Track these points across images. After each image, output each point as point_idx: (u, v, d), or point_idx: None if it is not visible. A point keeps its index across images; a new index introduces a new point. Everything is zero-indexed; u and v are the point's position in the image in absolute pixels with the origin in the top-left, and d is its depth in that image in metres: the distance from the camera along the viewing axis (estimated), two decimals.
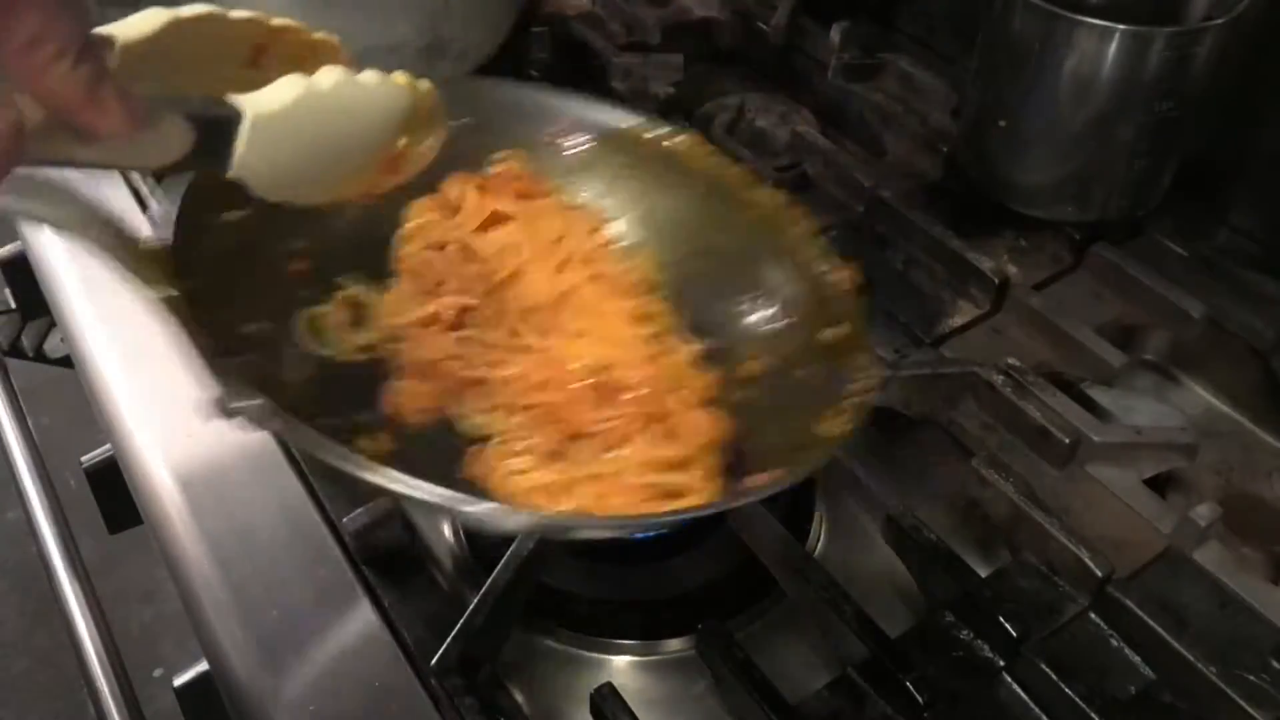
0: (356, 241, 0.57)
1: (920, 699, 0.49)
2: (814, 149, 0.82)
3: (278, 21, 0.43)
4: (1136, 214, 0.75)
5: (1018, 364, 0.63)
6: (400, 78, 0.41)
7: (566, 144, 0.64)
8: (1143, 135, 0.69)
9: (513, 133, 0.63)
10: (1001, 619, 0.51)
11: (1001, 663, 0.52)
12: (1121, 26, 0.65)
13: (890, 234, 0.76)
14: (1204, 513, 0.54)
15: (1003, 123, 0.73)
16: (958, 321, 0.70)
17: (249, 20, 0.41)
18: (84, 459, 0.85)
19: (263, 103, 0.35)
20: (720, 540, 0.59)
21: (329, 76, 0.37)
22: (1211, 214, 0.77)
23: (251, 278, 0.52)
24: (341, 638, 0.53)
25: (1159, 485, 0.61)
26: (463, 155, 0.59)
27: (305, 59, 0.43)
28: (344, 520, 0.57)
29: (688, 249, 0.63)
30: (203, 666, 0.62)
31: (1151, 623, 0.51)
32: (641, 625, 0.56)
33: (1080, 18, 0.66)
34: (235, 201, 0.46)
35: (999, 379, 0.62)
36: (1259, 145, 0.75)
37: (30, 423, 0.80)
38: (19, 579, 1.65)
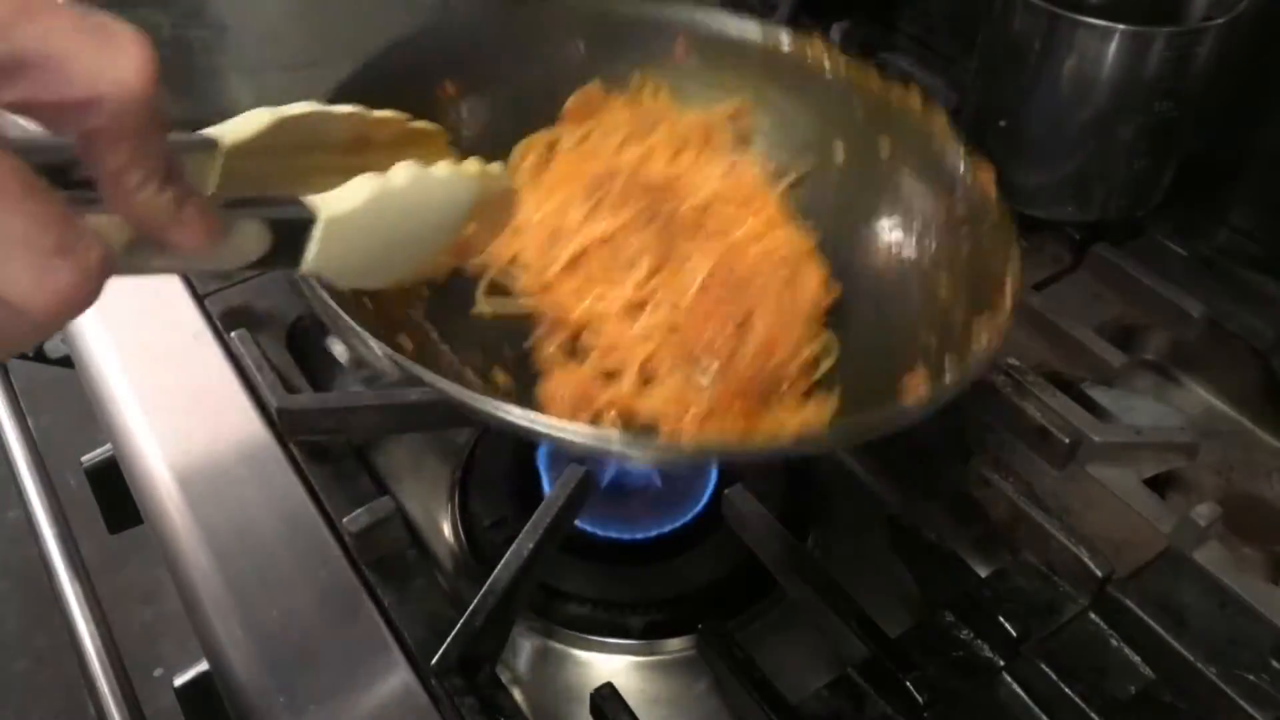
0: None
1: (920, 699, 0.49)
2: None
3: (378, 114, 0.43)
4: (1136, 214, 0.75)
5: (1018, 364, 0.63)
6: (472, 166, 0.41)
7: (693, 59, 0.63)
8: (1143, 135, 0.69)
9: (642, 49, 0.62)
10: (1001, 619, 0.51)
11: (1001, 663, 0.52)
12: (1121, 26, 0.65)
13: None
14: (1204, 512, 0.54)
15: (1003, 122, 0.73)
16: None
17: (350, 114, 0.42)
18: (84, 459, 0.85)
19: (336, 204, 0.35)
20: (720, 540, 0.60)
21: (402, 174, 0.37)
22: (1212, 214, 0.77)
23: None
24: (341, 638, 0.53)
25: (1159, 485, 0.61)
26: (586, 79, 0.60)
27: (406, 146, 0.45)
28: (344, 520, 0.57)
29: (826, 162, 0.61)
30: (203, 666, 0.62)
31: (1151, 622, 0.52)
32: (641, 625, 0.57)
33: (1080, 18, 0.66)
34: None
35: (999, 379, 0.62)
36: (1259, 145, 0.75)
37: (30, 423, 0.80)
38: (19, 579, 1.65)
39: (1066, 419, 0.60)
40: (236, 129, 0.37)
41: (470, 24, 0.61)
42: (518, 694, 0.53)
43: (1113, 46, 0.65)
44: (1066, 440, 0.59)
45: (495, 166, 0.43)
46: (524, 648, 0.56)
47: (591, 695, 0.50)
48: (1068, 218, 0.74)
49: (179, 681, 0.64)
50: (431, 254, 0.42)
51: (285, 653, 0.52)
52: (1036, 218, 0.75)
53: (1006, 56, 0.72)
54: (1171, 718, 0.51)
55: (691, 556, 0.60)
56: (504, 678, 0.52)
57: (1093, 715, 0.49)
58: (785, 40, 0.62)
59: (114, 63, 0.27)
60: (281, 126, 0.39)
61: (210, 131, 0.36)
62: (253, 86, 0.76)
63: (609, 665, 0.55)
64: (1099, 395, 0.64)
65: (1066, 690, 0.50)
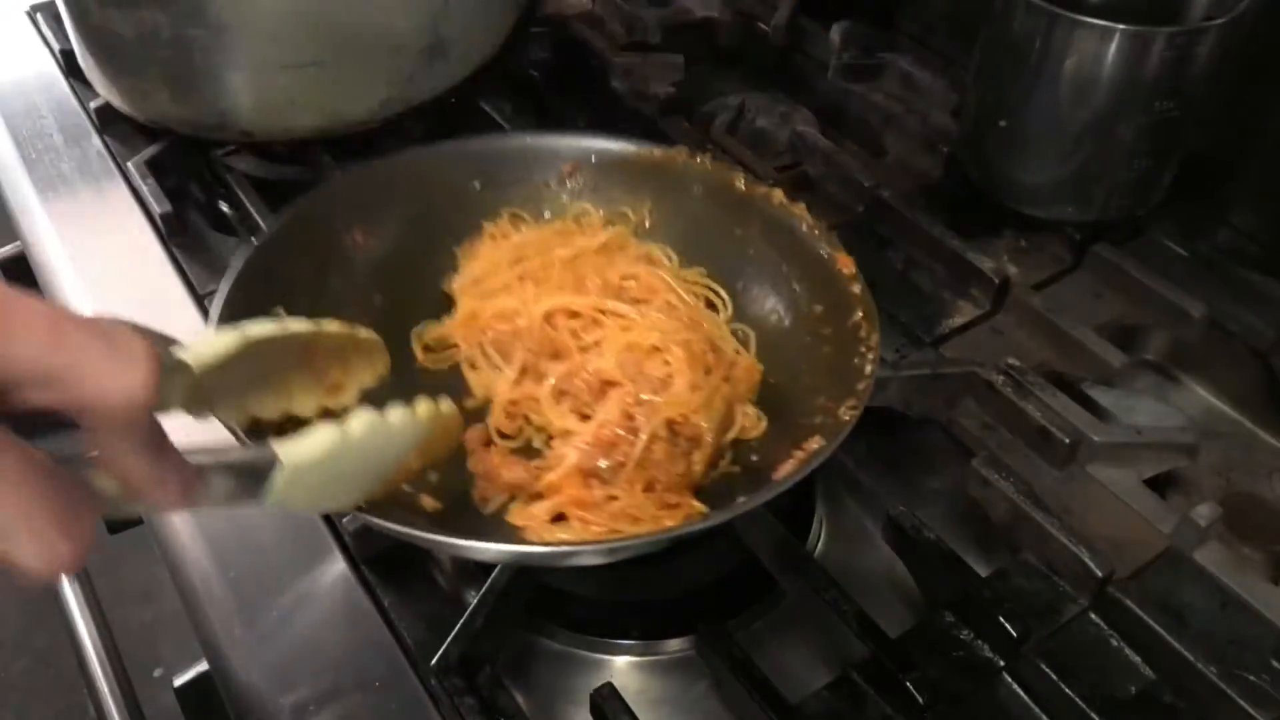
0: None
1: (920, 699, 0.49)
2: (814, 149, 0.82)
3: (328, 327, 0.49)
4: (1137, 214, 0.75)
5: (1018, 364, 0.63)
6: (423, 409, 0.46)
7: (569, 183, 0.69)
8: (1143, 135, 0.69)
9: (519, 184, 0.68)
10: (1001, 619, 0.51)
11: (1001, 663, 0.52)
12: (1122, 26, 0.65)
13: (890, 234, 0.76)
14: (1204, 513, 0.54)
15: (1003, 123, 0.73)
16: (958, 321, 0.70)
17: (305, 330, 0.48)
18: None
19: (298, 454, 0.39)
20: (720, 540, 0.59)
21: (360, 424, 0.41)
22: (1212, 214, 0.77)
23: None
24: (341, 638, 0.53)
25: (1159, 485, 0.61)
26: (476, 215, 0.67)
27: (348, 351, 0.51)
28: (344, 520, 0.57)
29: (702, 254, 0.66)
30: (203, 666, 0.62)
31: (1152, 623, 0.51)
32: (641, 625, 0.56)
33: (1081, 17, 0.66)
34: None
35: (999, 379, 0.62)
36: (1259, 145, 0.75)
37: None
38: None
39: (1067, 419, 0.60)
40: (204, 354, 0.41)
41: (371, 172, 0.66)
42: (518, 694, 0.53)
43: (1113, 46, 0.65)
44: (1067, 440, 0.59)
45: (445, 405, 0.48)
46: (524, 647, 0.56)
47: (591, 695, 0.50)
48: (1068, 217, 0.74)
49: (179, 681, 0.64)
50: (380, 484, 0.46)
51: (285, 653, 0.52)
52: (1037, 218, 0.76)
53: (1007, 56, 0.72)
54: (1172, 718, 0.51)
55: (691, 556, 0.60)
56: (504, 678, 0.52)
57: (1093, 715, 0.49)
58: (657, 152, 0.68)
59: (123, 380, 0.31)
60: (245, 346, 0.43)
61: (181, 355, 0.40)
62: (253, 86, 0.76)
63: (609, 665, 0.55)
64: (1099, 395, 0.64)
65: (1067, 690, 0.50)
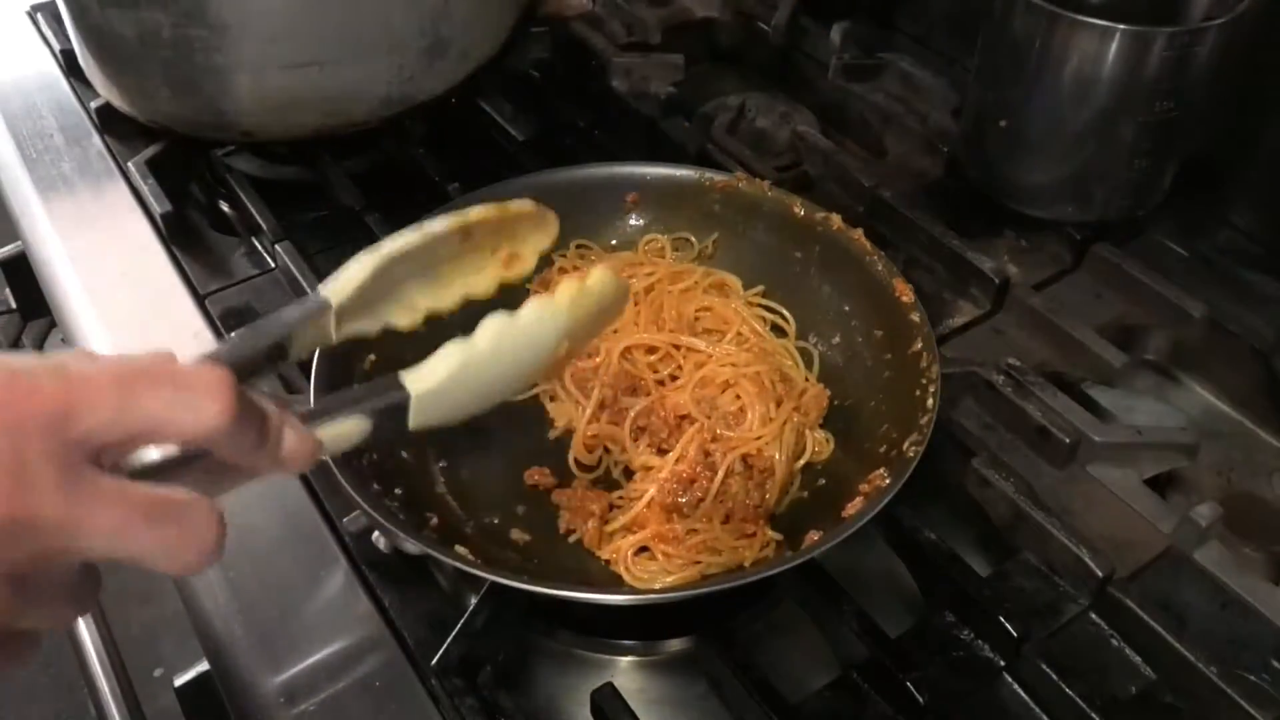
0: None
1: (920, 699, 0.49)
2: (815, 149, 0.82)
3: (474, 213, 0.47)
4: (1137, 214, 0.75)
5: (1018, 364, 0.63)
6: (563, 296, 0.43)
7: (634, 213, 0.72)
8: (1143, 135, 0.69)
9: (584, 215, 0.70)
10: (1002, 619, 0.51)
11: (1002, 663, 0.52)
12: (1122, 26, 0.65)
13: (891, 234, 0.75)
14: (1205, 513, 0.54)
15: (1003, 123, 0.73)
16: (958, 321, 0.70)
17: (447, 229, 0.46)
18: None
19: (424, 381, 0.40)
20: None
21: (486, 334, 0.41)
22: (1212, 214, 0.77)
23: None
24: (342, 638, 0.53)
25: (1160, 485, 0.61)
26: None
27: (510, 225, 0.49)
28: (344, 520, 0.57)
29: (763, 277, 0.69)
30: (203, 666, 0.62)
31: (1152, 623, 0.51)
32: (641, 625, 0.56)
33: (1081, 18, 0.65)
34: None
35: (999, 379, 0.62)
36: (1260, 145, 0.75)
37: None
38: None
39: (1067, 419, 0.60)
40: (345, 282, 0.43)
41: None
42: (518, 694, 0.53)
43: (1113, 46, 0.65)
44: (1067, 440, 0.59)
45: (595, 278, 0.43)
46: (524, 647, 0.56)
47: (591, 695, 0.50)
48: (1068, 217, 0.74)
49: (179, 681, 0.64)
50: (526, 382, 0.45)
51: (285, 653, 0.52)
52: (1037, 218, 0.75)
53: (1007, 56, 0.72)
54: (1172, 718, 0.50)
55: None
56: (504, 678, 0.52)
57: (1093, 715, 0.49)
58: (717, 179, 0.70)
59: (201, 416, 0.32)
60: (386, 263, 0.44)
61: (321, 292, 0.42)
62: (253, 86, 0.76)
63: (609, 665, 0.55)
64: (1100, 395, 0.64)
65: (1067, 690, 0.50)
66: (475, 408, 0.43)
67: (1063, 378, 0.65)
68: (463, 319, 0.44)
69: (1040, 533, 0.55)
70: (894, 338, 0.60)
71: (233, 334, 0.41)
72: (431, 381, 0.40)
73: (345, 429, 0.38)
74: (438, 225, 0.46)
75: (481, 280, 0.48)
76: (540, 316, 0.42)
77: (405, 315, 0.46)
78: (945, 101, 0.86)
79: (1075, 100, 0.68)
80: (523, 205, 0.49)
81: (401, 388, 0.39)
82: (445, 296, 0.47)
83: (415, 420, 0.40)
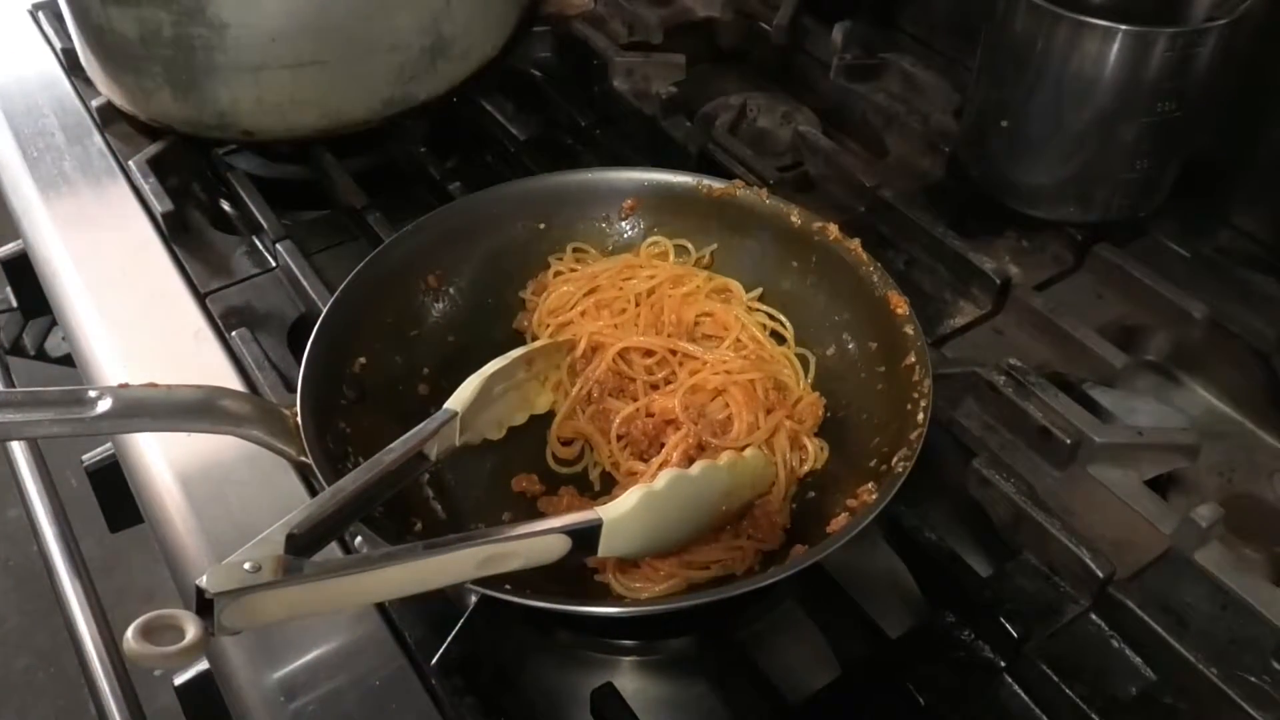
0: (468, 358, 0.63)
1: (920, 699, 0.49)
2: (816, 149, 0.82)
3: (536, 344, 0.63)
4: (1138, 214, 0.75)
5: (1019, 364, 0.63)
6: (724, 459, 0.54)
7: (630, 219, 0.71)
8: (1145, 136, 0.69)
9: (581, 220, 0.71)
10: (1002, 619, 0.51)
11: (1002, 663, 0.52)
12: (1124, 27, 0.65)
13: (892, 234, 0.75)
14: (1205, 513, 0.54)
15: (1005, 123, 0.73)
16: (959, 322, 0.70)
17: (523, 353, 0.61)
18: (85, 458, 0.85)
19: (614, 510, 0.49)
20: None
21: (663, 480, 0.50)
22: (1213, 214, 0.77)
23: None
24: (342, 637, 0.53)
25: (1160, 486, 0.61)
26: (542, 253, 0.70)
27: (555, 355, 0.64)
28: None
29: (760, 283, 0.68)
30: (203, 666, 0.62)
31: (1153, 623, 0.51)
32: (641, 626, 0.56)
33: (1083, 18, 0.65)
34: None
35: (1000, 379, 0.62)
36: (1261, 145, 0.75)
37: None
38: (20, 577, 1.65)
39: (1068, 419, 0.60)
40: (462, 395, 0.56)
41: (441, 218, 0.68)
42: (518, 694, 0.53)
43: (1115, 47, 0.65)
44: (1068, 441, 0.59)
45: (751, 452, 0.55)
46: (524, 647, 0.56)
47: (591, 695, 0.50)
48: (1070, 218, 0.74)
49: (179, 681, 0.64)
50: (703, 526, 0.53)
51: (285, 652, 0.52)
52: (1038, 218, 0.75)
53: (1008, 57, 0.72)
54: (1172, 719, 0.50)
55: None
56: (504, 677, 0.52)
57: (1093, 716, 0.49)
58: (716, 186, 0.69)
59: None
60: (489, 380, 0.58)
61: (450, 406, 0.55)
62: (254, 85, 0.76)
63: (609, 665, 0.55)
64: (1100, 396, 0.64)
65: (1067, 691, 0.50)
66: (657, 545, 0.51)
67: (1064, 378, 0.65)
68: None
69: (1041, 533, 0.55)
70: (888, 350, 0.60)
71: (392, 444, 0.51)
72: (619, 510, 0.48)
73: (553, 541, 0.47)
74: (516, 351, 0.61)
75: (540, 399, 0.63)
76: (706, 471, 0.52)
77: (493, 430, 0.60)
78: (947, 101, 0.86)
79: (1077, 101, 0.68)
80: (557, 340, 0.64)
81: (596, 516, 0.48)
82: (518, 415, 0.62)
83: (604, 545, 0.48)
